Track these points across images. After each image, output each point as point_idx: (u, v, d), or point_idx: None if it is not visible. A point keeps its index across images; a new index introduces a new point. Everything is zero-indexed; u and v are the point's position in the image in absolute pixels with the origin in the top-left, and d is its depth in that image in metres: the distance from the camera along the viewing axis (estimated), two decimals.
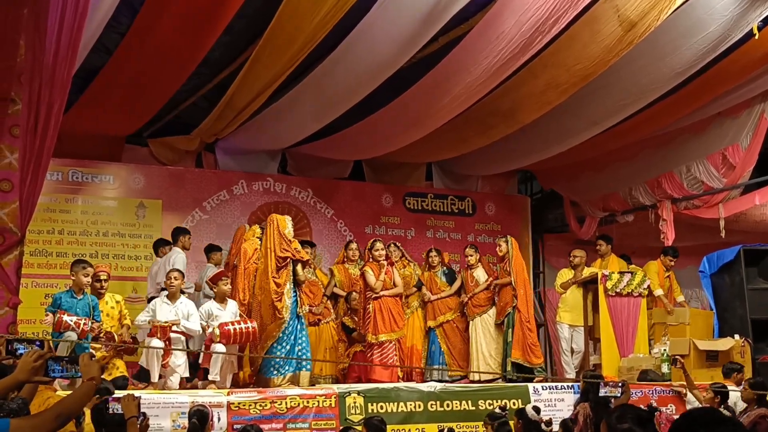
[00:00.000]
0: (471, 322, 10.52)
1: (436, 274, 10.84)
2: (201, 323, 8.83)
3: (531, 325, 10.24)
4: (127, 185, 11.45)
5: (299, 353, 9.13)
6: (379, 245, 10.16)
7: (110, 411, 4.66)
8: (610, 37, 8.38)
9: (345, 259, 10.97)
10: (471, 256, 10.73)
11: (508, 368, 10.05)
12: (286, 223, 9.35)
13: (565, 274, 10.88)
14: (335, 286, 10.73)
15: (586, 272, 10.59)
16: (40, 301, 9.78)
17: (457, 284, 10.74)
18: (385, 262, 10.00)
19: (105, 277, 8.83)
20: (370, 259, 10.13)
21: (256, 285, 9.37)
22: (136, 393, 5.33)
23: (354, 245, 11.03)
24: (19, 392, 4.40)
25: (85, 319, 8.07)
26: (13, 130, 6.77)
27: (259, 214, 11.97)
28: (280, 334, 9.02)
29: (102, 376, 4.55)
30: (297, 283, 9.30)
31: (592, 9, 8.21)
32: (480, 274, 10.66)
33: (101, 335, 8.34)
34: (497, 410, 7.39)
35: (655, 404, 8.23)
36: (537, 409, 7.07)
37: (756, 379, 7.84)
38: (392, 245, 10.91)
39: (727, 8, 8.36)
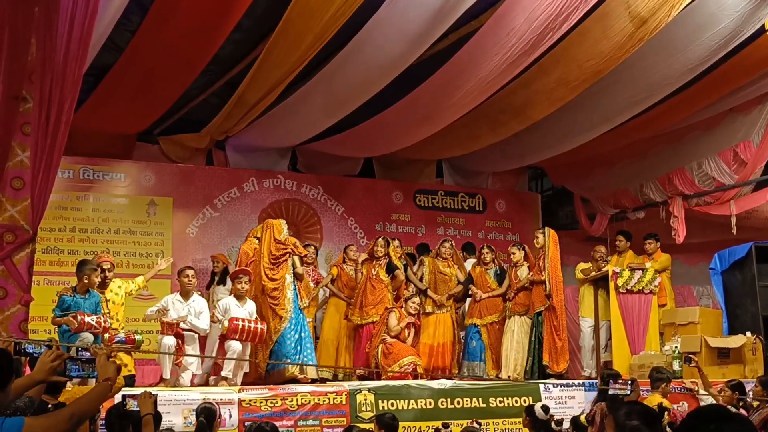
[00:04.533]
0: (509, 319, 10.27)
1: (488, 272, 10.63)
2: (217, 315, 8.87)
3: (560, 328, 9.91)
4: (137, 183, 11.47)
5: (304, 344, 9.27)
6: (447, 245, 10.76)
7: (126, 408, 4.67)
8: (620, 34, 8.36)
9: (437, 255, 10.90)
10: (515, 254, 10.48)
11: (534, 369, 9.81)
12: (282, 227, 9.52)
13: (584, 265, 10.79)
14: (420, 280, 10.70)
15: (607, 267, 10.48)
16: (51, 298, 9.73)
17: (505, 284, 10.49)
18: (413, 318, 9.78)
19: (108, 267, 8.94)
20: (438, 256, 10.73)
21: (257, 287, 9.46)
22: (153, 391, 5.35)
23: (448, 243, 10.87)
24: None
25: (103, 318, 8.08)
26: (25, 128, 6.78)
27: (269, 212, 11.99)
28: (287, 326, 9.16)
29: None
30: (297, 277, 9.44)
31: (603, 5, 8.19)
32: (524, 272, 10.35)
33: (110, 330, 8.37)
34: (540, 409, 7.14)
35: (666, 403, 8.19)
36: (546, 408, 7.01)
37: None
38: (447, 242, 10.90)
39: (738, 4, 8.33)
